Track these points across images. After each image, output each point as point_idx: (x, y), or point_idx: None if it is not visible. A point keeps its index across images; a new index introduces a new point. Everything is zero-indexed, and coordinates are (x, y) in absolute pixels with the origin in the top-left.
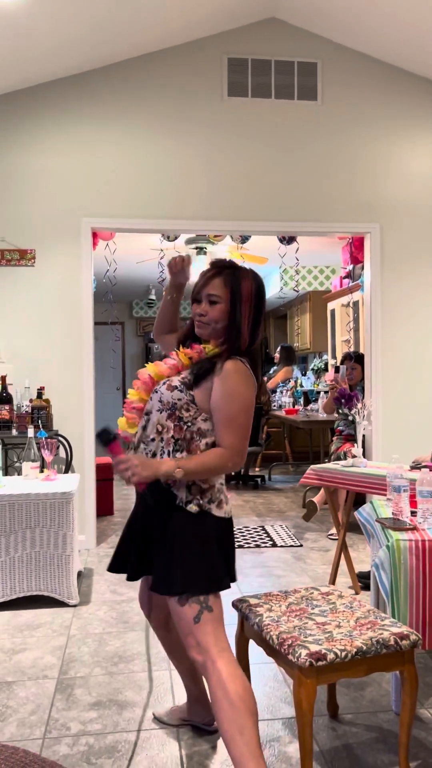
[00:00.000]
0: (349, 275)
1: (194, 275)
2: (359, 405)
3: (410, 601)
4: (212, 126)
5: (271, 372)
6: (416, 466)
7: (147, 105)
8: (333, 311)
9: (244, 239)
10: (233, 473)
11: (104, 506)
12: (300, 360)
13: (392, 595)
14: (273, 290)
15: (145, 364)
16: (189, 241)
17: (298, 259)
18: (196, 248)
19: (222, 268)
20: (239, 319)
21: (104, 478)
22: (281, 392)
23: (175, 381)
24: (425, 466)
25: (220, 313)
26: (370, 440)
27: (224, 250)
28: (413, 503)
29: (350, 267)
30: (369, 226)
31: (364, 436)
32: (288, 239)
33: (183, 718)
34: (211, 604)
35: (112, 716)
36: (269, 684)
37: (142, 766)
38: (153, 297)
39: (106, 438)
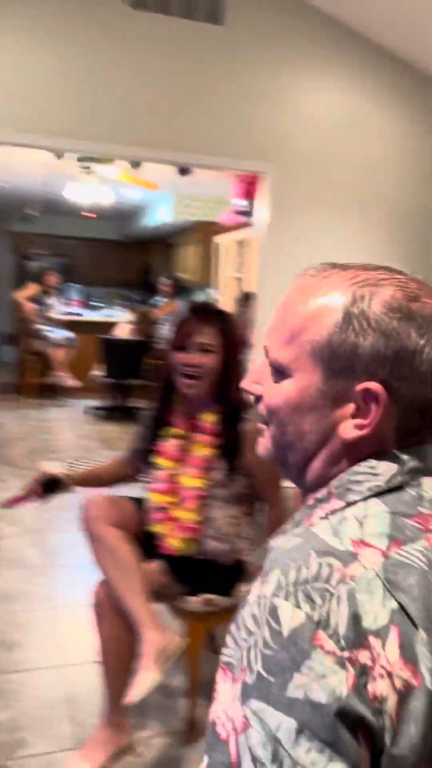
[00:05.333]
0: (239, 211)
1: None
2: (247, 349)
3: None
4: (110, 40)
5: (156, 303)
6: None
7: (40, 9)
8: (218, 246)
9: (136, 164)
10: (114, 404)
11: None
12: (182, 291)
13: None
14: (162, 217)
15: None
16: (81, 158)
17: (194, 195)
18: (86, 167)
19: (210, 314)
20: (232, 371)
21: None
22: (166, 326)
23: (221, 477)
24: None
25: (215, 363)
26: None
27: (115, 172)
28: None
29: (242, 202)
30: (266, 165)
31: None
32: (183, 170)
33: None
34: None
35: None
36: None
37: (30, 708)
38: (32, 212)
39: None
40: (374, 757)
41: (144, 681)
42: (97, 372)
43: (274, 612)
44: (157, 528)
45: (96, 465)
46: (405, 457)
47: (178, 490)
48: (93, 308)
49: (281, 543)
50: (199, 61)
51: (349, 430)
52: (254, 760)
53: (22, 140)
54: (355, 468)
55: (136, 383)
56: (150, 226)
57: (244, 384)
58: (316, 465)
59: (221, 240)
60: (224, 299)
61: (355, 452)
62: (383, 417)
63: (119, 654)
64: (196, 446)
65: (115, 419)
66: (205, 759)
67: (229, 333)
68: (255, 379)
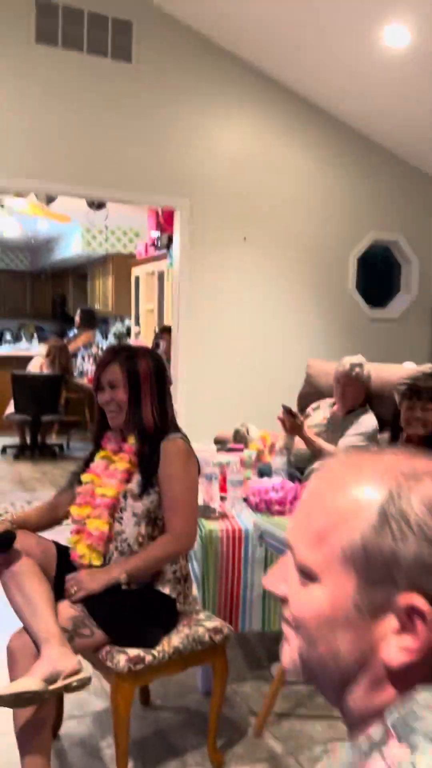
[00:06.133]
0: (155, 244)
1: None
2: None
3: (219, 587)
4: (20, 74)
5: (71, 335)
6: (222, 448)
7: None
8: (138, 278)
9: (50, 199)
10: (28, 442)
11: None
12: (101, 322)
13: (203, 583)
14: (75, 249)
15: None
16: None
17: (107, 227)
18: None
19: (116, 353)
20: (141, 400)
21: None
22: (83, 358)
23: (135, 487)
24: (231, 449)
25: (122, 395)
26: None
27: (24, 204)
28: (223, 487)
29: (157, 235)
30: (179, 200)
31: None
32: (97, 204)
33: None
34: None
35: None
36: None
37: None
38: None
39: (4, 542)
40: None
41: (19, 683)
42: (10, 409)
43: None
44: (71, 540)
45: (25, 510)
46: None
47: (94, 502)
48: (3, 342)
49: None
50: (110, 98)
51: (393, 653)
52: None
53: None
54: (416, 697)
55: (52, 419)
56: (64, 257)
57: (266, 583)
58: (358, 693)
59: (139, 272)
60: (144, 331)
61: (403, 678)
62: None
63: (32, 714)
64: (117, 462)
65: (30, 458)
66: None
67: (130, 365)
68: (279, 577)
